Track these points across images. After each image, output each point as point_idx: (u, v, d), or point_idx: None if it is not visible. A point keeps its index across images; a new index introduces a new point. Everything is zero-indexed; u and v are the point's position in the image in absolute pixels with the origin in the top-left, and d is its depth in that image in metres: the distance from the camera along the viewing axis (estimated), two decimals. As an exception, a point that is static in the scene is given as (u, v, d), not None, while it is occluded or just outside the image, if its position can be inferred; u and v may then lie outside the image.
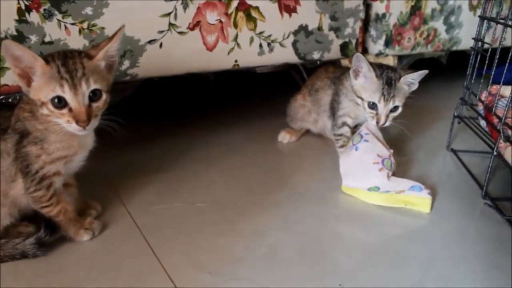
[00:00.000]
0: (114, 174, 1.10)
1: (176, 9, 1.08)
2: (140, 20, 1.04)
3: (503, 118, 0.96)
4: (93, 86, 0.74)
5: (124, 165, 1.16)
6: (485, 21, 1.18)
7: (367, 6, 1.41)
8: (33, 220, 0.85)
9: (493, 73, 1.08)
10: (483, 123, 1.13)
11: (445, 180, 1.10)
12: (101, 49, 0.77)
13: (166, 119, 1.54)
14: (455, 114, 1.26)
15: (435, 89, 1.85)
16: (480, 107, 1.14)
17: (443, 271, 0.78)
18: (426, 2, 1.46)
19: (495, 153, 0.99)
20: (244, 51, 1.21)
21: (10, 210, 0.81)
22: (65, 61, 0.74)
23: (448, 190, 1.05)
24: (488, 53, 1.13)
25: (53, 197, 0.81)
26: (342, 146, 1.17)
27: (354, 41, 1.41)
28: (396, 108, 1.08)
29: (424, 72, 1.05)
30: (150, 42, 1.07)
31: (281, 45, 1.27)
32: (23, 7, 0.90)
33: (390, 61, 1.47)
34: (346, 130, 1.18)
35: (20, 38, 0.91)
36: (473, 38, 1.21)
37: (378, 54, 1.46)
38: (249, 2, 1.18)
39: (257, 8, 1.19)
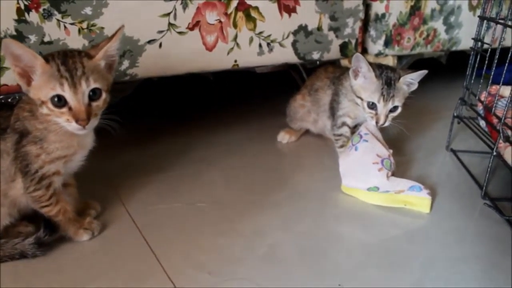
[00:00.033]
0: (114, 174, 1.10)
1: (175, 9, 1.08)
2: (140, 20, 1.04)
3: (503, 118, 0.96)
4: (93, 85, 0.75)
5: (124, 165, 1.16)
6: (485, 21, 1.18)
7: (367, 6, 1.41)
8: (33, 220, 0.85)
9: (492, 73, 1.08)
10: (482, 123, 1.13)
11: (444, 180, 1.10)
12: (101, 48, 0.77)
13: (166, 119, 1.54)
14: (455, 114, 1.26)
15: (435, 89, 1.85)
16: (480, 107, 1.14)
17: (443, 271, 0.78)
18: (425, 2, 1.46)
19: (494, 153, 0.99)
20: (244, 51, 1.21)
21: (10, 210, 0.81)
22: (65, 60, 0.74)
23: (448, 190, 1.05)
24: (488, 53, 1.13)
25: (52, 197, 0.81)
26: (341, 146, 1.17)
27: (353, 41, 1.41)
28: (395, 108, 1.08)
29: (423, 72, 1.05)
30: (149, 42, 1.07)
31: (281, 45, 1.27)
32: (22, 7, 0.90)
33: (390, 61, 1.47)
34: (345, 130, 1.18)
35: (19, 38, 0.91)
36: (472, 38, 1.21)
37: (378, 54, 1.46)
38: (248, 2, 1.17)
39: (256, 8, 1.19)
